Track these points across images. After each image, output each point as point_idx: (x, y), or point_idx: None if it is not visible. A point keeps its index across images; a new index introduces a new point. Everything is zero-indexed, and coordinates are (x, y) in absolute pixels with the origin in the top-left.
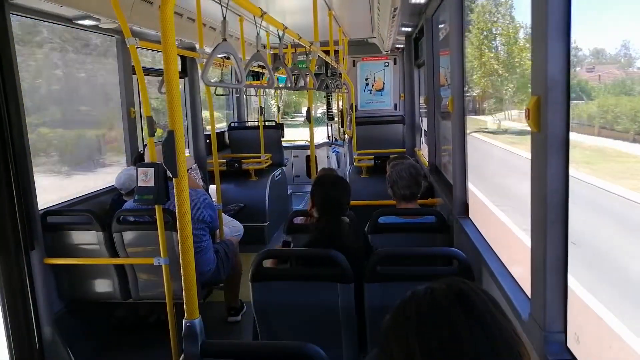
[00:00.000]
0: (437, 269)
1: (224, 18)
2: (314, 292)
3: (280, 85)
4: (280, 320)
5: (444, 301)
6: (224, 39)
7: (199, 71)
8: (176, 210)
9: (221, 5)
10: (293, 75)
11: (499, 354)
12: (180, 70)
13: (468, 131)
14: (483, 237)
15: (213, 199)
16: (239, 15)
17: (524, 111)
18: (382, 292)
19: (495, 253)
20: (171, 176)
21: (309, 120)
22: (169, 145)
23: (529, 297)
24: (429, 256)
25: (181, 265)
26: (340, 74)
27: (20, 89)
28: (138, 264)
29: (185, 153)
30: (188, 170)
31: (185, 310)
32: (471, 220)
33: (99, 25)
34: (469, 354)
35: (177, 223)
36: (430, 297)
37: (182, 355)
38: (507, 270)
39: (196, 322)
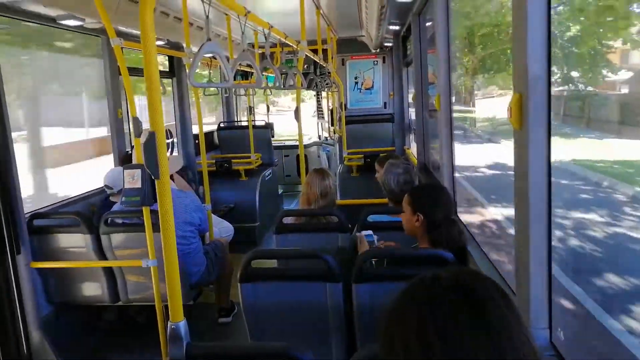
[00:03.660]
0: (425, 270)
1: (207, 17)
2: (302, 292)
3: (269, 84)
4: (270, 320)
5: (451, 297)
6: (209, 39)
7: (187, 71)
8: (158, 212)
9: (203, 3)
10: (282, 74)
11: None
12: (168, 70)
13: None
14: (472, 235)
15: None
16: (226, 15)
17: (507, 109)
18: (370, 293)
19: (482, 251)
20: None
21: (298, 119)
22: (150, 146)
23: (515, 293)
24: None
25: (165, 267)
26: (329, 72)
27: (3, 90)
28: (127, 266)
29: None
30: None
31: (170, 313)
32: (459, 219)
33: (84, 26)
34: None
35: (160, 225)
36: (437, 289)
37: (168, 359)
38: (495, 268)
39: (181, 324)
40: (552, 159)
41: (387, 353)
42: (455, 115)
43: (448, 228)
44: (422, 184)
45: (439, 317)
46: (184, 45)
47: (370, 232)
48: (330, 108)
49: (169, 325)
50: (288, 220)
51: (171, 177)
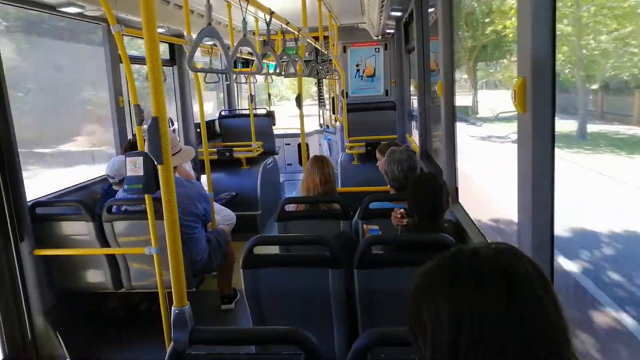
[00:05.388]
0: (428, 255)
1: (208, 2)
2: (304, 278)
3: (270, 71)
4: (272, 306)
5: (489, 274)
6: (209, 24)
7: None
8: (162, 198)
9: None
10: (282, 61)
11: (532, 345)
12: (169, 58)
13: None
14: (473, 221)
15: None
16: (227, 1)
17: (511, 93)
18: (371, 278)
19: (484, 237)
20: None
21: (299, 107)
22: (153, 131)
23: None
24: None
25: (168, 253)
26: (330, 60)
27: (4, 78)
28: (129, 254)
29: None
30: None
31: (174, 298)
32: (461, 205)
33: (84, 13)
34: (498, 341)
35: (163, 210)
36: (474, 264)
37: (172, 343)
38: None
39: (185, 309)
40: None
41: (414, 333)
42: None
43: (429, 217)
44: (423, 173)
45: (473, 295)
46: (185, 32)
47: (376, 227)
48: (332, 96)
49: (172, 310)
50: (290, 207)
51: (175, 166)
